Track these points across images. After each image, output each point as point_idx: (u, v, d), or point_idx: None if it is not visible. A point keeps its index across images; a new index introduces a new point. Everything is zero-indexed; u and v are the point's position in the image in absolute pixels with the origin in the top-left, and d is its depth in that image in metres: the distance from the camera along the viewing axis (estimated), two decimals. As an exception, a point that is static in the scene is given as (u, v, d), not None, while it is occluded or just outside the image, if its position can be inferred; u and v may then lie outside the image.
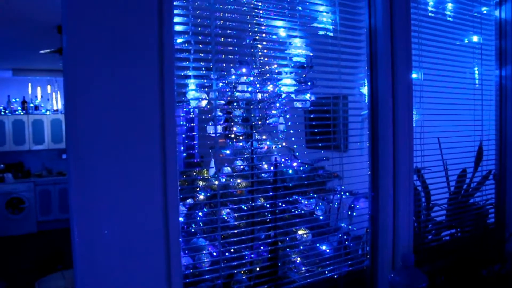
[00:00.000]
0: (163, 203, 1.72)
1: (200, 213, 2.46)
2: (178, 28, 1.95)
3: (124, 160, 1.67)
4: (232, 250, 2.32)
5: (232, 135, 2.66)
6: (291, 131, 2.67)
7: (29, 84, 9.36)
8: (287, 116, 2.67)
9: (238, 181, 2.54)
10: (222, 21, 2.10)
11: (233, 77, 2.43)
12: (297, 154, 2.77)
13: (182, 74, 2.07)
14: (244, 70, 2.43)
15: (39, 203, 9.42)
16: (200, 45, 2.08)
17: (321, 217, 2.74)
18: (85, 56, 1.61)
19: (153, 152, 1.72)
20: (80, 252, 1.61)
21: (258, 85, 2.52)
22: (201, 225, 2.43)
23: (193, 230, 2.46)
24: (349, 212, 2.77)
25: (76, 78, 1.59)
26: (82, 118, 1.60)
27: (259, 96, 2.58)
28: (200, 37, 2.03)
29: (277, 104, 2.64)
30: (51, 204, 9.53)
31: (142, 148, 1.71)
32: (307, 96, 2.63)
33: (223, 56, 2.18)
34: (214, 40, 2.06)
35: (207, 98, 2.39)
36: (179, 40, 2.00)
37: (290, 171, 2.65)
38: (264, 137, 2.71)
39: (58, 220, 9.55)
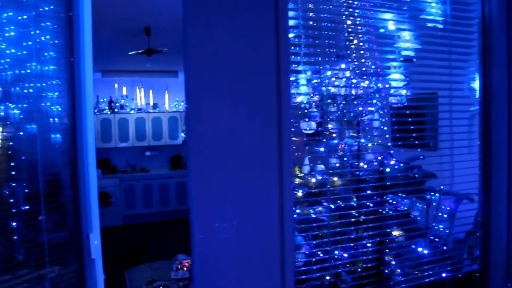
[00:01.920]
0: (279, 199, 1.71)
1: (298, 211, 2.43)
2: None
3: (242, 157, 1.68)
4: (332, 250, 2.27)
5: (327, 132, 2.61)
6: (385, 128, 2.58)
7: (116, 85, 9.81)
8: (381, 112, 2.58)
9: (335, 179, 2.48)
10: (327, 14, 2.06)
11: (329, 73, 2.38)
12: (391, 152, 2.67)
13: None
14: (343, 65, 2.37)
15: (124, 198, 9.84)
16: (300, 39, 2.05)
17: (418, 218, 2.63)
18: (205, 55, 1.64)
19: (270, 149, 1.72)
20: (199, 243, 1.64)
21: (354, 81, 2.45)
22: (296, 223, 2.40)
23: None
24: (449, 215, 2.63)
25: (197, 76, 1.62)
26: (202, 117, 1.63)
27: (353, 92, 2.51)
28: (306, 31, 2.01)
29: (374, 101, 2.56)
30: (135, 199, 9.93)
31: (260, 144, 1.72)
32: (403, 92, 2.52)
33: (318, 50, 2.14)
34: (322, 35, 2.02)
35: (303, 93, 2.36)
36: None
37: (388, 170, 2.56)
38: (359, 134, 2.64)
39: (142, 215, 9.94)
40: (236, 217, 1.70)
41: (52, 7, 2.20)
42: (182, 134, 10.29)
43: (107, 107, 9.90)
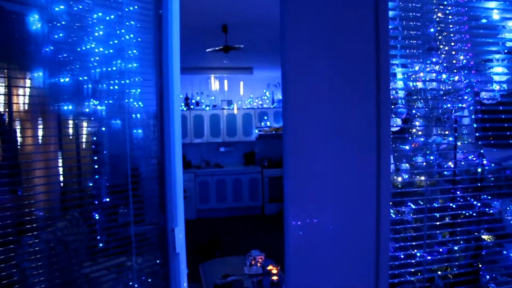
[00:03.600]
0: (376, 198, 1.65)
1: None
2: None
3: (340, 154, 1.63)
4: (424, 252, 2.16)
5: (413, 130, 2.49)
6: (474, 125, 2.43)
7: (192, 81, 10.05)
8: (471, 108, 2.42)
9: (422, 178, 2.36)
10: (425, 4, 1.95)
11: (417, 67, 2.26)
12: (481, 151, 2.50)
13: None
14: (434, 59, 2.24)
15: (198, 193, 10.08)
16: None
17: (512, 222, 2.45)
18: (304, 54, 1.61)
19: (368, 147, 1.66)
20: (293, 238, 1.62)
21: (445, 76, 2.31)
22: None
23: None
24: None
25: (295, 72, 1.60)
26: (299, 114, 1.61)
27: (442, 87, 2.37)
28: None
29: (465, 97, 2.40)
30: (209, 194, 10.14)
31: (358, 143, 1.67)
32: (497, 87, 2.35)
33: (406, 42, 2.03)
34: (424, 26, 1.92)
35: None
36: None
37: (479, 170, 2.41)
38: (447, 132, 2.49)
39: (215, 209, 10.15)
40: (331, 214, 1.66)
41: (136, 6, 2.26)
42: (256, 131, 10.36)
43: (183, 104, 10.16)
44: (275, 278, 4.80)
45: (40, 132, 2.19)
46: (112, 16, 2.25)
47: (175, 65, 2.00)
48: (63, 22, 2.10)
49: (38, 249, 2.01)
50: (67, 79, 2.21)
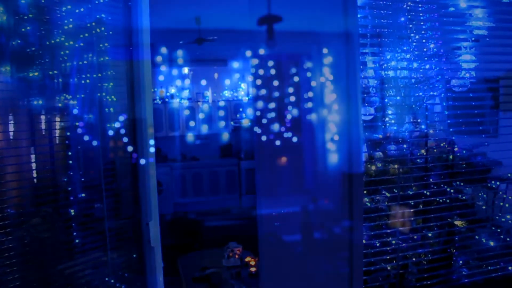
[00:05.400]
0: (348, 187, 1.66)
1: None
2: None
3: (311, 143, 1.64)
4: (398, 240, 2.20)
5: (386, 118, 2.51)
6: (446, 112, 2.47)
7: (166, 74, 9.93)
8: (442, 96, 2.46)
9: (395, 166, 2.39)
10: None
11: (388, 56, 2.28)
12: (453, 138, 2.55)
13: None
14: (405, 48, 2.26)
15: (175, 186, 10.01)
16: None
17: (484, 207, 2.52)
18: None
19: (340, 136, 1.67)
20: (266, 228, 1.62)
21: (416, 65, 2.34)
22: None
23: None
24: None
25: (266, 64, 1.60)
26: (269, 103, 1.60)
27: (413, 75, 2.40)
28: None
29: (436, 85, 2.44)
30: (186, 187, 10.08)
31: (330, 132, 1.67)
32: (467, 75, 2.39)
33: (377, 30, 2.05)
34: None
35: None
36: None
37: (451, 157, 2.46)
38: (419, 120, 2.53)
39: (192, 203, 10.09)
40: (303, 204, 1.67)
41: (107, -1, 2.23)
42: (232, 123, 10.33)
43: (157, 97, 10.04)
44: (253, 269, 4.82)
45: (12, 128, 2.15)
46: (82, 9, 2.21)
47: (146, 58, 1.98)
48: (31, 15, 2.06)
49: (11, 246, 1.98)
50: (36, 73, 2.17)
